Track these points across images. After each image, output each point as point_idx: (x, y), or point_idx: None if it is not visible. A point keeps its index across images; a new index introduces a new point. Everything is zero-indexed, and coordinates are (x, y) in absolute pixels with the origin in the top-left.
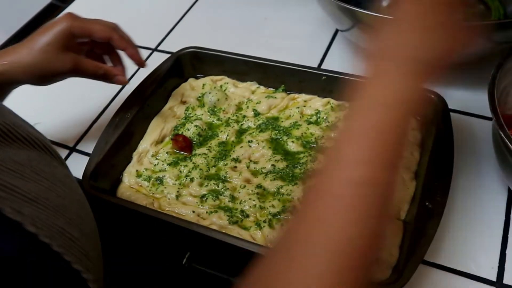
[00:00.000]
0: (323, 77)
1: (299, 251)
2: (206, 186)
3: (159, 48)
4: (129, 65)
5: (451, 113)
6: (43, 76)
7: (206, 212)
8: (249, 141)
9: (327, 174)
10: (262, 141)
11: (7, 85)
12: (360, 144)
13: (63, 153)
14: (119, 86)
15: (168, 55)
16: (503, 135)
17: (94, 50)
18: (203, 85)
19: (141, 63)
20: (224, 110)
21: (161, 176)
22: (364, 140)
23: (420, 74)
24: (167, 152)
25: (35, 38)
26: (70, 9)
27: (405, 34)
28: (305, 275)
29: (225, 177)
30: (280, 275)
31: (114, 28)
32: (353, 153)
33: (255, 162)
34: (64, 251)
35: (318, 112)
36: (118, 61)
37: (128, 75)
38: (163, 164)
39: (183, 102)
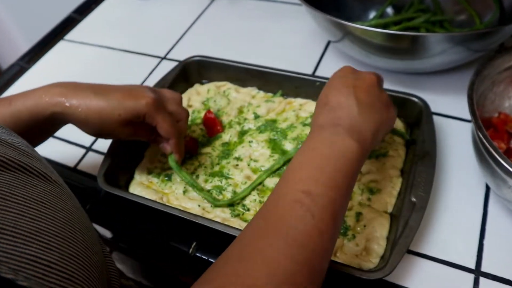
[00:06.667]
0: (317, 83)
1: (244, 268)
2: (211, 182)
3: (168, 56)
4: (140, 72)
5: (434, 116)
6: (98, 134)
7: (211, 206)
8: (249, 141)
9: (283, 189)
10: (262, 141)
11: (62, 125)
12: (305, 168)
13: (79, 152)
14: None
15: (175, 63)
16: (481, 136)
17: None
18: (208, 90)
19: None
20: (226, 113)
21: (169, 173)
22: (309, 165)
23: (352, 135)
24: None
25: (110, 103)
26: (86, 22)
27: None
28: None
29: (227, 174)
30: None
31: (180, 132)
32: (301, 173)
33: (255, 161)
34: (35, 282)
35: (312, 115)
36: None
37: (139, 81)
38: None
39: (189, 106)
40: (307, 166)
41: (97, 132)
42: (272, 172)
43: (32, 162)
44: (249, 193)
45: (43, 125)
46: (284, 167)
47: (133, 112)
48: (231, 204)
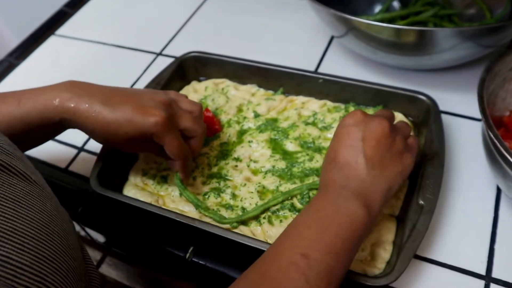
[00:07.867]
0: (320, 80)
1: None
2: (208, 184)
3: (164, 52)
4: (134, 69)
5: (442, 115)
6: (106, 144)
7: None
8: (249, 141)
9: (282, 246)
10: (262, 141)
11: (69, 128)
12: (307, 229)
13: (71, 153)
14: None
15: (172, 59)
16: (492, 136)
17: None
18: (206, 88)
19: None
20: (225, 112)
21: (165, 174)
22: (311, 227)
23: (360, 199)
24: None
25: (117, 118)
26: (78, 16)
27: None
28: None
29: (226, 175)
30: None
31: (189, 153)
32: (302, 234)
33: (255, 161)
34: (3, 284)
35: (315, 114)
36: None
37: (134, 78)
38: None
39: None
40: (309, 227)
41: (104, 142)
42: (290, 195)
43: (12, 160)
44: (260, 213)
45: (51, 128)
46: (286, 167)
47: (141, 131)
48: (229, 207)
